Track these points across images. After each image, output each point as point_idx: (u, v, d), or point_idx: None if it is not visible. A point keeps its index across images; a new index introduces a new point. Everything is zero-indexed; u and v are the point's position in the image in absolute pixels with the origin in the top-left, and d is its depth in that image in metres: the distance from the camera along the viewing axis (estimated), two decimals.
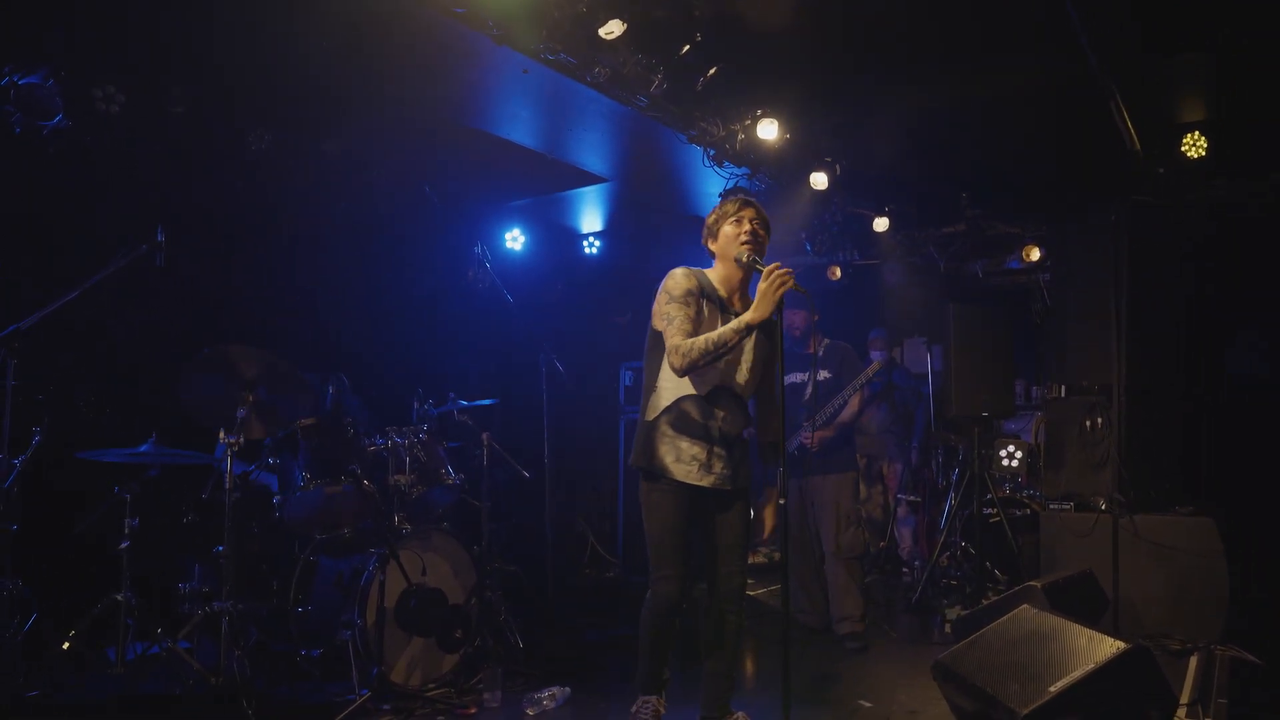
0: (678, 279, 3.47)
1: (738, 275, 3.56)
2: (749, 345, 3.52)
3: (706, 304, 3.47)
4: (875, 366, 5.44)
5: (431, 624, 4.30)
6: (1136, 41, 5.00)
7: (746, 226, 3.50)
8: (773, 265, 3.26)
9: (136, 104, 4.57)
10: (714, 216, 3.59)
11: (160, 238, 4.09)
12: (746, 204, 3.57)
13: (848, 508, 5.32)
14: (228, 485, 3.95)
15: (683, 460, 3.41)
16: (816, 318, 5.36)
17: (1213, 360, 6.50)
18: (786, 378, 5.43)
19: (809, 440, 5.26)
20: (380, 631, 4.09)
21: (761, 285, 3.25)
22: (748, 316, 3.30)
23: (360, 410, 5.07)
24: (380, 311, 6.10)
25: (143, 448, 4.11)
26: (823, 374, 5.44)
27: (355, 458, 4.54)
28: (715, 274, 3.59)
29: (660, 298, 3.47)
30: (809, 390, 5.41)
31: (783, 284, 3.21)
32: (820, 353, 5.45)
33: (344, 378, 4.89)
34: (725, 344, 3.31)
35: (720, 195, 3.63)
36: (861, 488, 6.77)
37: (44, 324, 3.85)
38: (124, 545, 4.06)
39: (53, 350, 4.58)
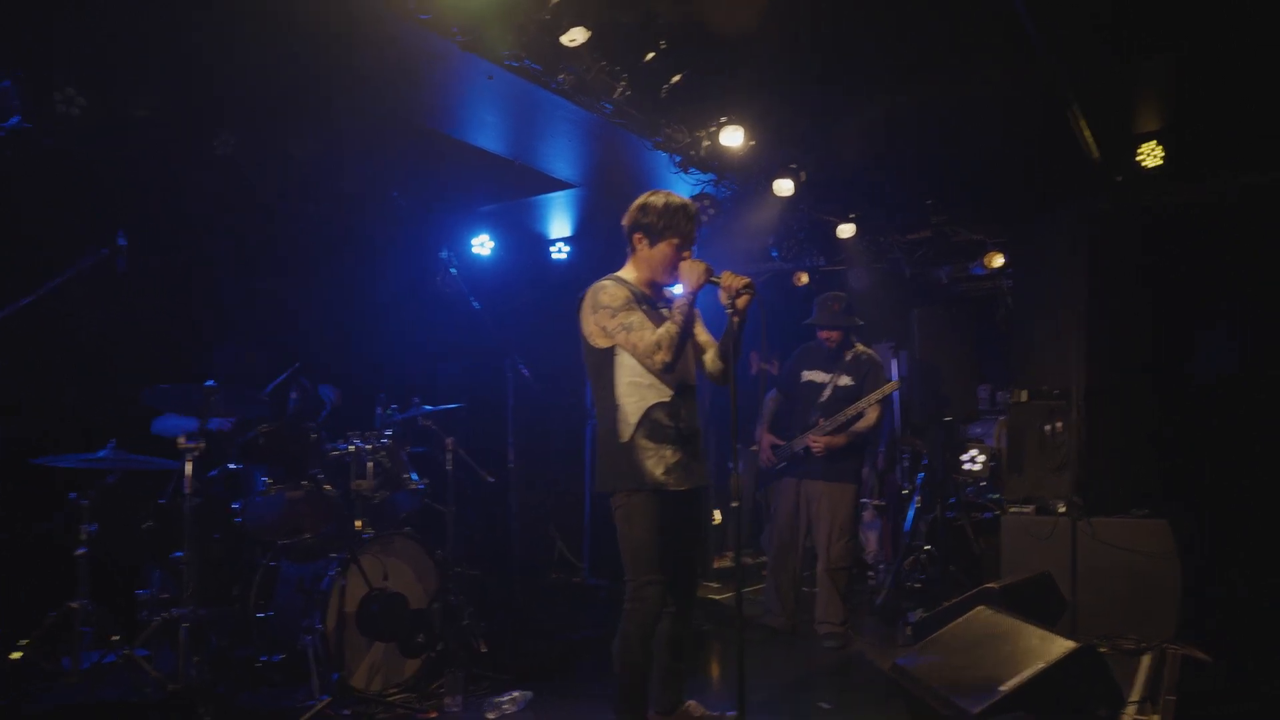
0: (612, 291, 3.45)
1: (657, 277, 3.55)
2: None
3: (642, 307, 3.47)
4: (895, 385, 5.45)
5: (393, 629, 4.29)
6: (1094, 50, 5.08)
7: (686, 255, 3.49)
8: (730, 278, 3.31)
9: (98, 106, 4.55)
10: (661, 222, 3.48)
11: (122, 241, 4.07)
12: (693, 229, 3.53)
13: (843, 519, 5.33)
14: (187, 491, 3.94)
15: (670, 470, 3.40)
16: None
17: (1173, 363, 6.61)
18: (805, 374, 5.50)
19: (816, 445, 5.29)
20: (341, 636, 4.08)
21: (684, 268, 3.40)
22: (689, 289, 3.36)
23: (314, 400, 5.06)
24: (345, 316, 6.08)
25: (101, 453, 4.09)
26: (845, 380, 5.43)
27: (317, 462, 4.54)
28: (631, 275, 3.57)
29: (601, 315, 3.41)
30: (826, 392, 5.43)
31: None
32: (848, 358, 5.49)
33: (306, 381, 4.89)
34: (689, 318, 3.35)
35: (665, 205, 3.56)
36: None
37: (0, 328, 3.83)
38: (81, 551, 4.03)
39: (9, 355, 4.55)
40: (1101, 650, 4.07)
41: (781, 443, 5.48)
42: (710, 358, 3.65)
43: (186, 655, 3.86)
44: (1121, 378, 5.85)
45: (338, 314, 6.05)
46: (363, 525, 4.52)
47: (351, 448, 4.64)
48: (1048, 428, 5.81)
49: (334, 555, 4.26)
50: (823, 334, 5.48)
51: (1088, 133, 5.83)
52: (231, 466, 4.51)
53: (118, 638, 3.99)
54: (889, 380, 5.57)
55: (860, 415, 5.31)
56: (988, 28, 4.84)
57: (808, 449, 5.33)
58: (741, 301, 3.29)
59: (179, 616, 3.91)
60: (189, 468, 3.95)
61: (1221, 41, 4.97)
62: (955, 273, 7.97)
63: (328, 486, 4.50)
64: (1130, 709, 3.74)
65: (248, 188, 5.51)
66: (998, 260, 7.30)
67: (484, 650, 4.80)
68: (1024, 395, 6.06)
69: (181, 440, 3.96)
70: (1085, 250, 5.98)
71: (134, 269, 4.09)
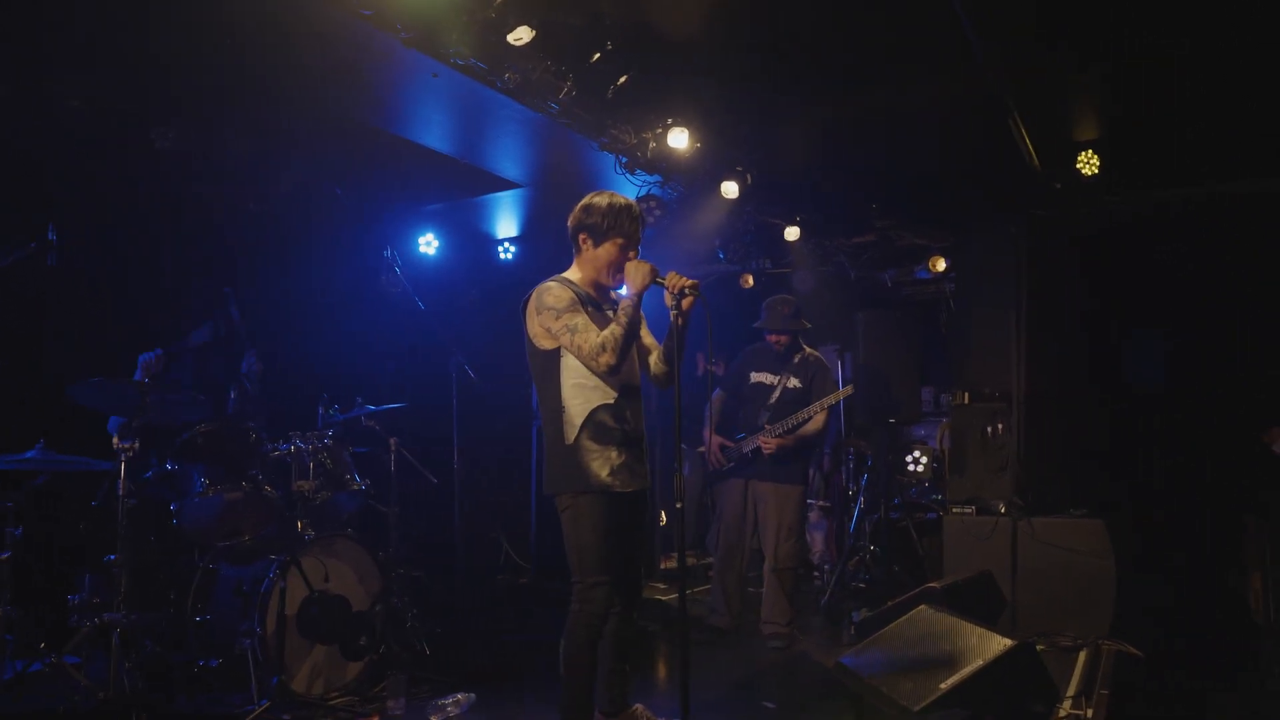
0: (557, 292, 3.43)
1: (603, 278, 3.54)
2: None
3: (587, 309, 3.47)
4: (847, 390, 5.49)
5: (334, 631, 4.24)
6: (1033, 59, 5.17)
7: (631, 256, 3.49)
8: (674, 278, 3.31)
9: (24, 94, 4.42)
10: (605, 223, 3.48)
11: (52, 236, 3.96)
12: (638, 229, 3.53)
13: (790, 520, 5.37)
14: (121, 492, 3.85)
15: (615, 471, 3.39)
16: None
17: (1110, 369, 6.77)
18: (754, 375, 5.54)
19: (769, 447, 5.32)
20: (281, 640, 4.01)
21: (630, 269, 3.38)
22: (633, 290, 3.36)
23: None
24: (287, 315, 5.98)
25: (29, 453, 3.97)
26: (793, 382, 5.48)
27: (257, 463, 4.47)
28: (577, 276, 3.57)
29: (545, 317, 3.40)
30: (775, 394, 5.47)
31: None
32: (796, 361, 5.52)
33: (245, 381, 4.80)
34: (634, 320, 3.34)
35: (609, 205, 3.61)
36: None
37: None
38: (4, 556, 3.90)
39: None
40: (1040, 647, 4.15)
41: (731, 444, 5.52)
42: (655, 360, 3.65)
43: (119, 662, 3.76)
44: (1060, 382, 5.98)
45: (279, 312, 5.95)
46: (303, 526, 4.44)
47: (292, 448, 4.56)
48: (989, 429, 5.91)
49: (274, 557, 4.19)
50: (771, 337, 5.53)
51: (1028, 140, 5.94)
52: (168, 467, 4.40)
53: (44, 645, 3.87)
54: (835, 382, 5.63)
55: (809, 419, 5.36)
56: (930, 34, 4.91)
57: (756, 450, 5.37)
58: (686, 302, 3.29)
59: (111, 621, 3.82)
60: (123, 468, 3.86)
61: (1156, 54, 5.09)
62: (900, 276, 8.06)
63: (268, 487, 4.42)
64: (1065, 703, 3.81)
65: (187, 183, 5.41)
66: (941, 264, 7.39)
67: (427, 653, 4.78)
68: (965, 398, 6.15)
69: (115, 440, 3.88)
70: (1025, 256, 6.10)
71: (65, 264, 3.98)
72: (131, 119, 4.95)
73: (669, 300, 3.31)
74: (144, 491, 4.36)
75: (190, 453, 4.36)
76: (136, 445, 3.96)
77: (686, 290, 3.27)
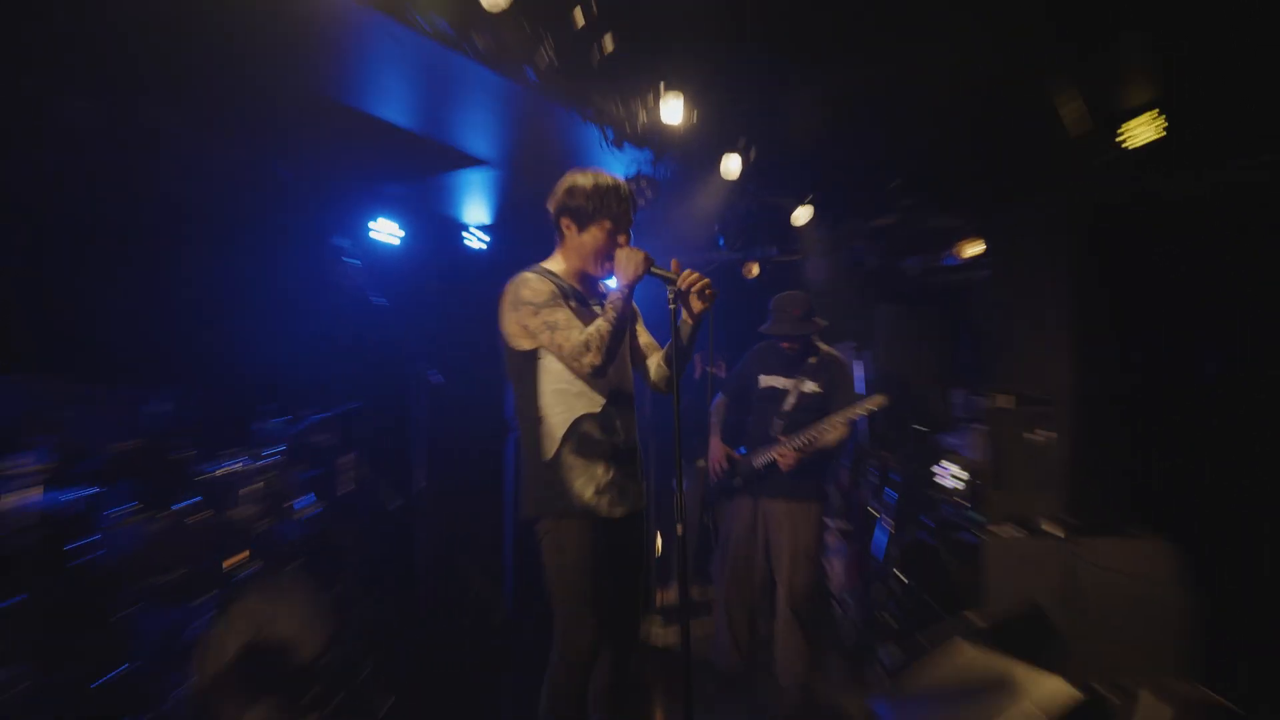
0: (535, 285, 3.35)
1: (589, 268, 3.47)
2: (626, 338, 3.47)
3: (570, 303, 3.38)
4: (879, 400, 5.28)
5: (278, 684, 4.11)
6: (1075, 26, 5.04)
7: (622, 242, 3.41)
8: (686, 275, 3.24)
9: None
10: (590, 204, 3.39)
11: None
12: (628, 211, 3.44)
13: (807, 542, 5.18)
14: (17, 526, 3.65)
15: (602, 491, 3.30)
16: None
17: (1169, 367, 6.61)
18: (764, 379, 5.37)
19: (784, 459, 5.11)
20: (216, 694, 3.90)
21: (620, 256, 3.30)
22: (624, 281, 3.27)
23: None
24: (223, 314, 5.80)
25: None
26: (809, 386, 5.31)
27: (188, 486, 4.32)
28: (559, 266, 3.50)
29: (523, 312, 3.32)
30: (790, 401, 5.29)
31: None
32: (812, 362, 5.36)
33: (173, 394, 4.62)
34: (623, 315, 3.23)
35: (594, 185, 3.45)
36: None
37: None
38: None
39: None
40: (1100, 692, 3.97)
41: (738, 456, 5.33)
42: (655, 364, 3.58)
43: None
44: (1115, 381, 5.83)
45: (213, 311, 5.77)
46: (242, 560, 4.32)
47: (237, 467, 4.46)
48: (1033, 437, 5.76)
49: (208, 597, 4.09)
50: (784, 343, 5.35)
51: (1072, 107, 5.77)
52: (78, 494, 4.19)
53: None
54: (855, 382, 5.46)
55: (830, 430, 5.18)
56: None
57: (772, 465, 5.16)
58: (697, 305, 3.23)
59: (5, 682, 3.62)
60: (14, 498, 3.67)
61: (1212, 26, 4.94)
62: (925, 264, 7.93)
63: (200, 515, 4.28)
64: None
65: (101, 160, 5.21)
66: (974, 249, 7.26)
67: (389, 702, 4.65)
68: (1005, 401, 6.03)
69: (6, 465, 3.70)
70: (1070, 241, 5.96)
71: None
72: (32, 87, 4.75)
73: (672, 297, 3.22)
74: (45, 524, 4.14)
75: (105, 476, 4.19)
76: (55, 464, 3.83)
77: (696, 288, 3.20)
